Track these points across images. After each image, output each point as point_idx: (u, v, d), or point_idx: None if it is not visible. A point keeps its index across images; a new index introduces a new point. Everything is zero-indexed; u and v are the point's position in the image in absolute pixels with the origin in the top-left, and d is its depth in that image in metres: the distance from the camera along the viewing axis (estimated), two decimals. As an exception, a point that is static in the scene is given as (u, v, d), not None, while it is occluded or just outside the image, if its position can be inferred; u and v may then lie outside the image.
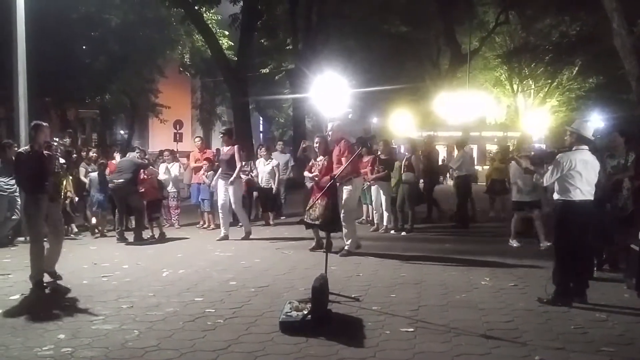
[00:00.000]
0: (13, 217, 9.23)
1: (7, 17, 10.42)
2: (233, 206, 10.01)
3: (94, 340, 4.60)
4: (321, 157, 8.69)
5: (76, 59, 21.46)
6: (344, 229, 8.26)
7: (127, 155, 10.65)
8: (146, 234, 10.05)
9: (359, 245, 8.51)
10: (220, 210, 10.06)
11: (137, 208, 9.97)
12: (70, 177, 10.46)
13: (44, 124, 6.67)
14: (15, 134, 10.27)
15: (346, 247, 8.32)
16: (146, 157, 10.77)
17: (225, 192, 9.91)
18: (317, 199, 7.97)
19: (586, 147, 5.80)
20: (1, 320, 5.11)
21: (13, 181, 9.08)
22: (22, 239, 9.43)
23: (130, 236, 9.80)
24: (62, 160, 10.31)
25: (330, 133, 8.69)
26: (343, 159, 8.16)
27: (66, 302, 5.72)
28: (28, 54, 10.31)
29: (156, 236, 10.13)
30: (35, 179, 6.40)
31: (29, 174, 6.45)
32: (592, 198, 5.77)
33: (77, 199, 10.64)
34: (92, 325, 4.97)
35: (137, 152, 10.90)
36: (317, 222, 8.03)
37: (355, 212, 8.68)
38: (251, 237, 9.93)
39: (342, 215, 8.19)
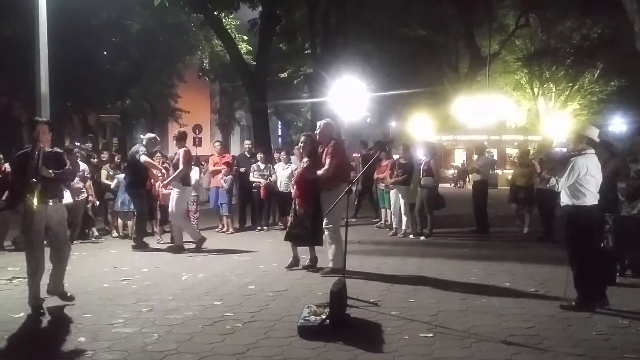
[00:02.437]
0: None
1: (29, 23, 10.60)
2: (170, 214, 9.39)
3: (114, 343, 4.63)
4: (306, 159, 7.66)
5: (97, 64, 21.70)
6: (328, 243, 7.31)
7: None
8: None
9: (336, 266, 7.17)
10: (170, 219, 9.59)
11: (138, 212, 9.78)
12: (91, 181, 10.59)
13: (42, 119, 6.05)
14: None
15: (330, 265, 7.28)
16: (167, 161, 10.78)
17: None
18: (294, 207, 7.34)
19: (593, 150, 5.77)
20: (23, 323, 5.16)
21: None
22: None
23: (150, 241, 9.85)
24: (83, 166, 10.47)
25: (318, 132, 7.64)
26: (327, 162, 7.31)
27: (86, 305, 5.76)
28: (50, 60, 10.43)
29: (161, 240, 10.06)
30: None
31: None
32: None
33: (97, 202, 10.77)
34: (112, 329, 5.01)
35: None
36: (293, 234, 7.39)
37: (339, 225, 7.22)
38: (267, 241, 9.92)
39: (325, 227, 7.26)
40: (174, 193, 9.35)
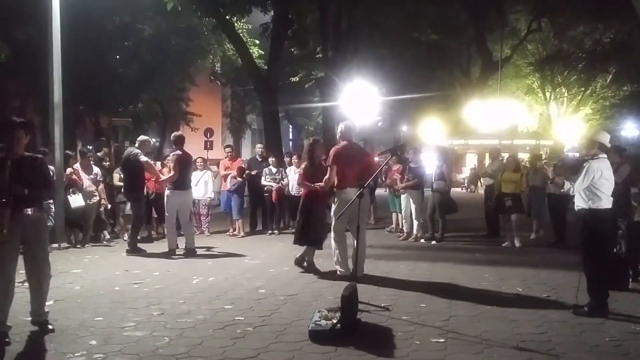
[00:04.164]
0: (47, 224, 9.39)
1: (42, 27, 10.71)
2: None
3: (125, 346, 4.65)
4: (303, 165, 8.20)
5: (110, 68, 21.86)
6: (333, 249, 7.38)
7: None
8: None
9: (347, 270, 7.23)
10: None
11: (134, 216, 9.70)
12: (103, 185, 10.66)
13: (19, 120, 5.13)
14: (50, 141, 10.50)
15: (338, 272, 7.31)
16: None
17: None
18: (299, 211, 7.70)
19: (605, 155, 5.76)
20: (35, 327, 5.16)
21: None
22: (56, 245, 9.63)
23: (157, 247, 9.89)
24: (95, 169, 10.55)
25: (339, 135, 7.72)
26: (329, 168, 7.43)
27: (98, 309, 5.79)
28: (63, 63, 10.55)
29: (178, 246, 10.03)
30: None
31: None
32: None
33: (109, 205, 10.83)
34: (123, 332, 5.03)
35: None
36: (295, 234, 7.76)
37: (342, 232, 7.36)
38: (278, 245, 9.92)
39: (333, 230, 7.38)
40: (165, 195, 9.45)
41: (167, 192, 9.40)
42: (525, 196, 10.67)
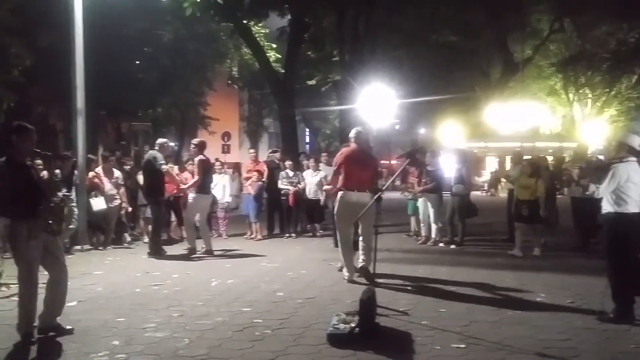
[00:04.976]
0: (70, 227, 9.51)
1: (65, 33, 10.85)
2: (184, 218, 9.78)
3: (146, 347, 4.69)
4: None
5: (130, 73, 22.11)
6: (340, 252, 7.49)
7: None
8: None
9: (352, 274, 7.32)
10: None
11: (154, 219, 9.79)
12: (124, 188, 10.75)
13: (30, 127, 4.94)
14: (73, 146, 10.64)
15: (344, 277, 7.36)
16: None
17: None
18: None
19: (634, 158, 5.65)
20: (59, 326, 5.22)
21: (71, 192, 9.41)
22: (78, 247, 9.78)
23: (175, 249, 9.94)
24: (117, 173, 10.65)
25: (351, 139, 7.66)
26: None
27: (120, 310, 5.84)
28: (85, 70, 10.69)
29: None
30: (20, 200, 4.71)
31: (9, 193, 4.73)
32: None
33: (130, 209, 10.92)
34: (144, 333, 5.07)
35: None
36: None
37: (346, 234, 7.39)
38: (296, 248, 9.93)
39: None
40: (190, 198, 9.65)
41: (191, 195, 9.60)
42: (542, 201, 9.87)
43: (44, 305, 4.96)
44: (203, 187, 9.58)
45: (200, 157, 9.63)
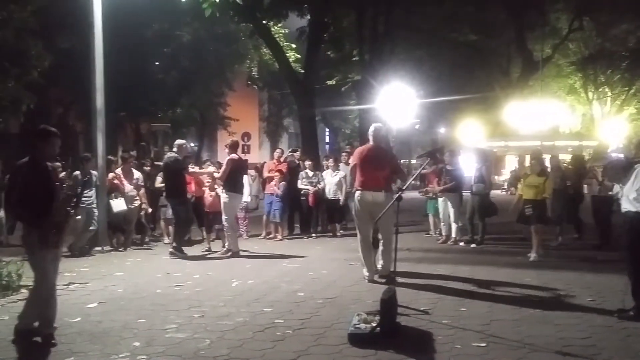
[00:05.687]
0: (91, 228, 9.63)
1: (85, 36, 11.00)
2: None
3: (167, 348, 4.72)
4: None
5: (150, 74, 22.30)
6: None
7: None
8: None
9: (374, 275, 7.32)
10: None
11: (177, 220, 9.79)
12: (144, 189, 10.84)
13: (55, 131, 4.97)
14: (93, 147, 10.76)
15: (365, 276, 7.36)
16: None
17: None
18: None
19: None
20: (80, 327, 5.30)
21: (91, 193, 9.52)
22: (99, 248, 9.89)
23: (195, 249, 10.00)
24: (137, 174, 10.74)
25: (371, 137, 7.63)
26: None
27: (141, 311, 5.90)
28: (105, 71, 10.81)
29: (211, 249, 10.09)
30: (33, 205, 4.73)
31: (30, 197, 4.74)
32: None
33: (150, 210, 11.01)
34: (165, 334, 5.10)
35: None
36: None
37: (365, 234, 7.36)
38: (316, 248, 9.93)
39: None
40: (223, 199, 9.64)
41: (225, 195, 9.62)
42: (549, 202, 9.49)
43: (24, 306, 5.04)
44: (236, 186, 9.70)
45: (232, 155, 9.73)
